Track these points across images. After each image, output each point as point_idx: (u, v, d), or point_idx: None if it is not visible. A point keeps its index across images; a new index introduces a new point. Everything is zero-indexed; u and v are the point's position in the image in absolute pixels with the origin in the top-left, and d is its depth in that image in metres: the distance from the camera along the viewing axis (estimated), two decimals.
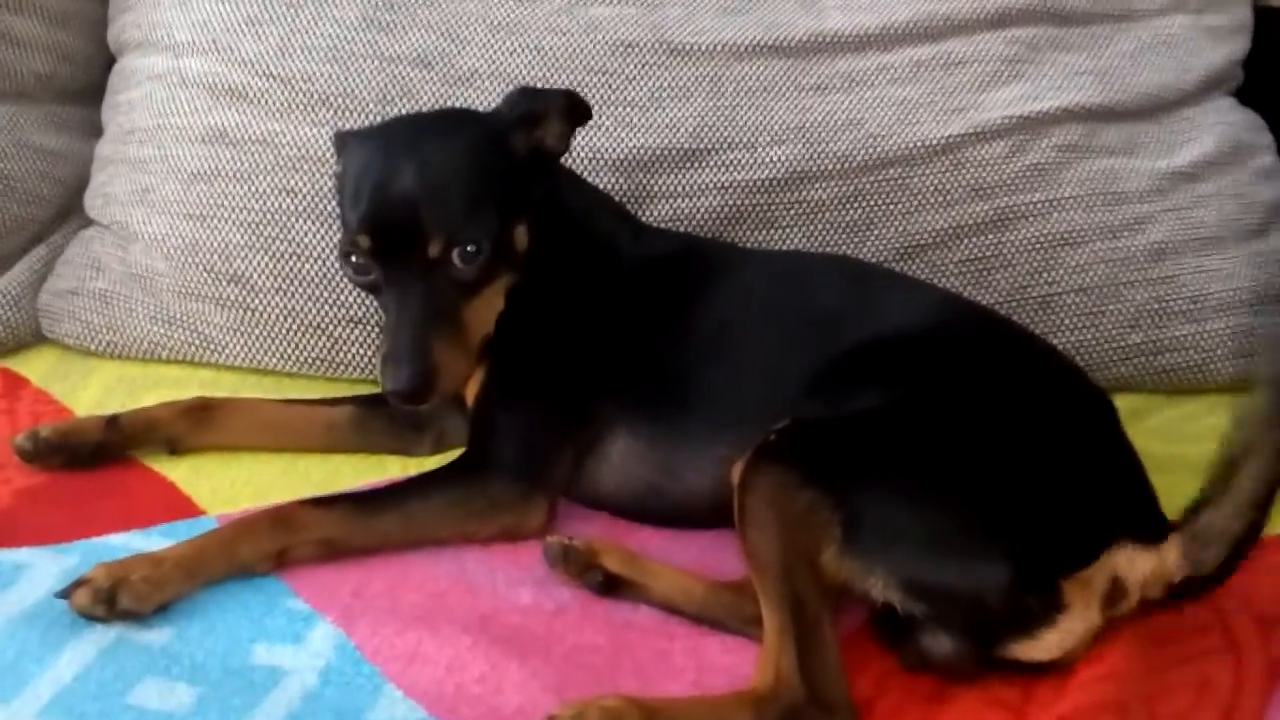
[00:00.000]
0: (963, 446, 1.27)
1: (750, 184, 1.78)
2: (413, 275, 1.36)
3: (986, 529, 1.21)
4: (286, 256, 1.75)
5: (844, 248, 1.79)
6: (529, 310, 1.47)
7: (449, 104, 1.76)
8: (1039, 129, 1.83)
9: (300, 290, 1.75)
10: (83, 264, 1.85)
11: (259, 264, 1.75)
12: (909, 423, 1.30)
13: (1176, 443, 1.65)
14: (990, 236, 1.80)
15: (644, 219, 1.71)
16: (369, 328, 1.74)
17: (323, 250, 1.74)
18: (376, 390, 1.45)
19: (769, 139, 1.79)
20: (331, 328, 1.75)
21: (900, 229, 1.79)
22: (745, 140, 1.79)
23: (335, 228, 1.57)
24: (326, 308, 1.75)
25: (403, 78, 1.79)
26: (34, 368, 1.78)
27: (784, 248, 1.79)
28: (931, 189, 1.80)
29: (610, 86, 1.81)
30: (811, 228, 1.79)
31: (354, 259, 1.39)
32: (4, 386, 1.72)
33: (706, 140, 1.79)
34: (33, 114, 1.94)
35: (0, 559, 1.33)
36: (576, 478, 1.49)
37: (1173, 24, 1.97)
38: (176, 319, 1.78)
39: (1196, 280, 1.81)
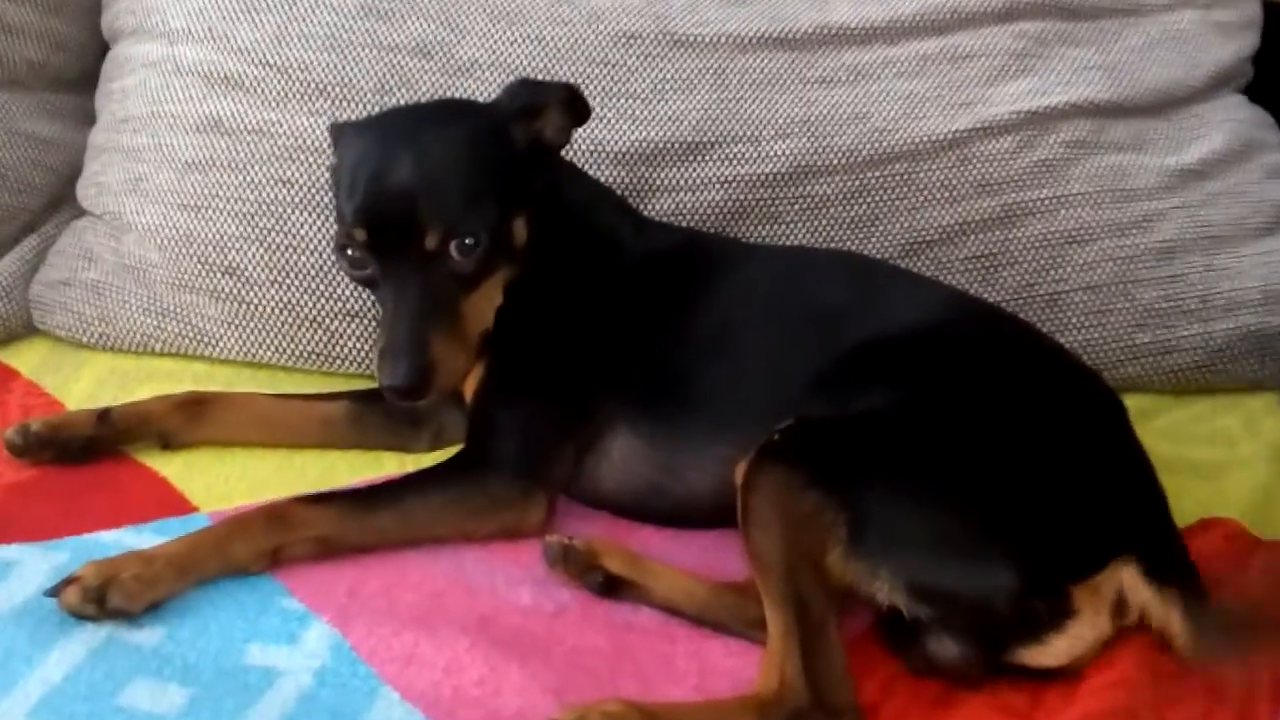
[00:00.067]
0: (971, 447, 1.25)
1: (754, 178, 1.77)
2: (410, 268, 1.34)
3: (995, 531, 1.20)
4: (282, 248, 1.73)
5: (849, 243, 1.77)
6: (529, 305, 1.46)
7: (448, 94, 1.74)
8: (1047, 124, 1.82)
9: (296, 283, 1.73)
10: (75, 254, 1.83)
11: (254, 256, 1.73)
12: (916, 422, 1.28)
13: (1184, 444, 1.65)
14: (997, 233, 1.78)
15: (646, 213, 1.70)
16: (366, 321, 1.73)
17: (319, 242, 1.72)
18: (373, 385, 1.43)
19: (773, 132, 1.78)
20: (328, 321, 1.73)
21: (906, 225, 1.78)
22: (749, 134, 1.78)
23: (332, 219, 1.56)
24: (323, 301, 1.73)
25: (401, 67, 1.77)
26: (25, 359, 1.76)
27: (788, 243, 1.77)
28: (938, 185, 1.78)
29: (612, 78, 1.79)
30: (816, 223, 1.78)
31: (350, 252, 1.37)
32: None
33: (710, 133, 1.77)
34: (25, 101, 1.92)
35: None
36: (576, 476, 1.48)
37: (1182, 19, 1.96)
38: (170, 311, 1.76)
39: (1205, 279, 1.80)
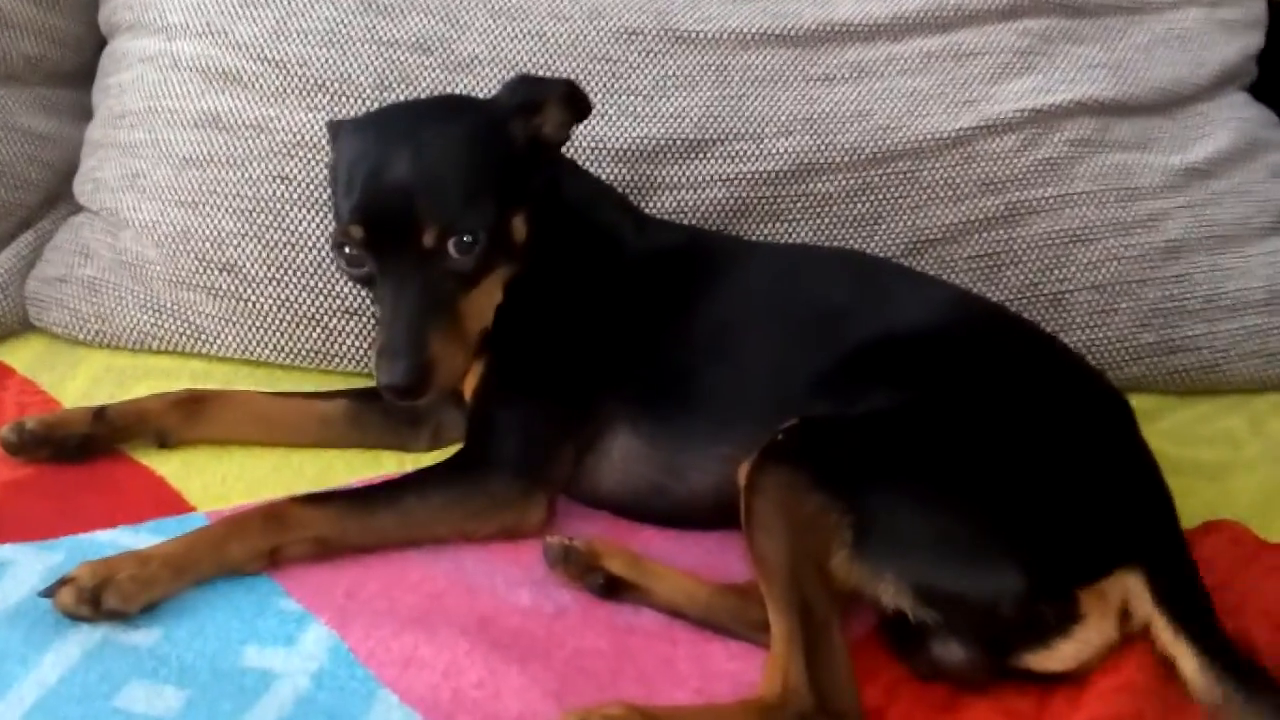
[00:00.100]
0: (977, 449, 1.24)
1: (756, 176, 1.76)
2: (407, 266, 1.33)
3: (1001, 534, 1.19)
4: (280, 245, 1.72)
5: (852, 242, 1.77)
6: (529, 303, 1.45)
7: (448, 91, 1.73)
8: (1051, 122, 1.81)
9: (294, 280, 1.72)
10: (71, 251, 1.82)
11: (252, 253, 1.72)
12: (921, 423, 1.27)
13: (1189, 445, 1.65)
14: (1001, 232, 1.78)
15: (647, 211, 1.69)
16: (364, 319, 1.71)
17: (317, 239, 1.71)
18: (372, 383, 1.41)
19: (776, 130, 1.77)
20: (326, 319, 1.72)
21: (909, 223, 1.77)
22: (751, 131, 1.77)
23: (330, 216, 1.54)
24: (321, 298, 1.72)
25: (401, 63, 1.76)
26: (20, 357, 1.75)
27: (790, 241, 1.76)
28: (941, 183, 1.78)
29: (614, 74, 1.78)
30: (819, 221, 1.77)
31: (347, 250, 1.36)
32: None
33: (712, 130, 1.76)
34: (21, 97, 1.91)
35: None
36: (577, 476, 1.47)
37: (1186, 17, 1.96)
38: (167, 308, 1.75)
39: (1210, 279, 1.80)
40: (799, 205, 1.76)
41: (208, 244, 1.73)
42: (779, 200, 1.76)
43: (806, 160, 1.76)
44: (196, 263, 1.73)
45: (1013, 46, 1.85)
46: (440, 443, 1.59)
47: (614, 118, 1.75)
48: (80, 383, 1.68)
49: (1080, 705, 1.16)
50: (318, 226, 1.71)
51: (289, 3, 1.78)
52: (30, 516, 1.37)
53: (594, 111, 1.49)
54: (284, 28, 1.77)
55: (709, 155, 1.75)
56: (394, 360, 1.30)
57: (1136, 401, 1.44)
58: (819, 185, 1.76)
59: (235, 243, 1.72)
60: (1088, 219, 1.78)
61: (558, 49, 1.78)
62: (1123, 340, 1.78)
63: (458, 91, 1.71)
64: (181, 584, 1.25)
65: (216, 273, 1.73)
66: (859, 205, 1.77)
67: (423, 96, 1.67)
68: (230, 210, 1.72)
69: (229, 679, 1.17)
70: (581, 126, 1.50)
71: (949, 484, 1.22)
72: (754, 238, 1.74)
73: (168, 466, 1.49)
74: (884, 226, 1.77)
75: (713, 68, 1.79)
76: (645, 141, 1.75)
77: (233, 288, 1.72)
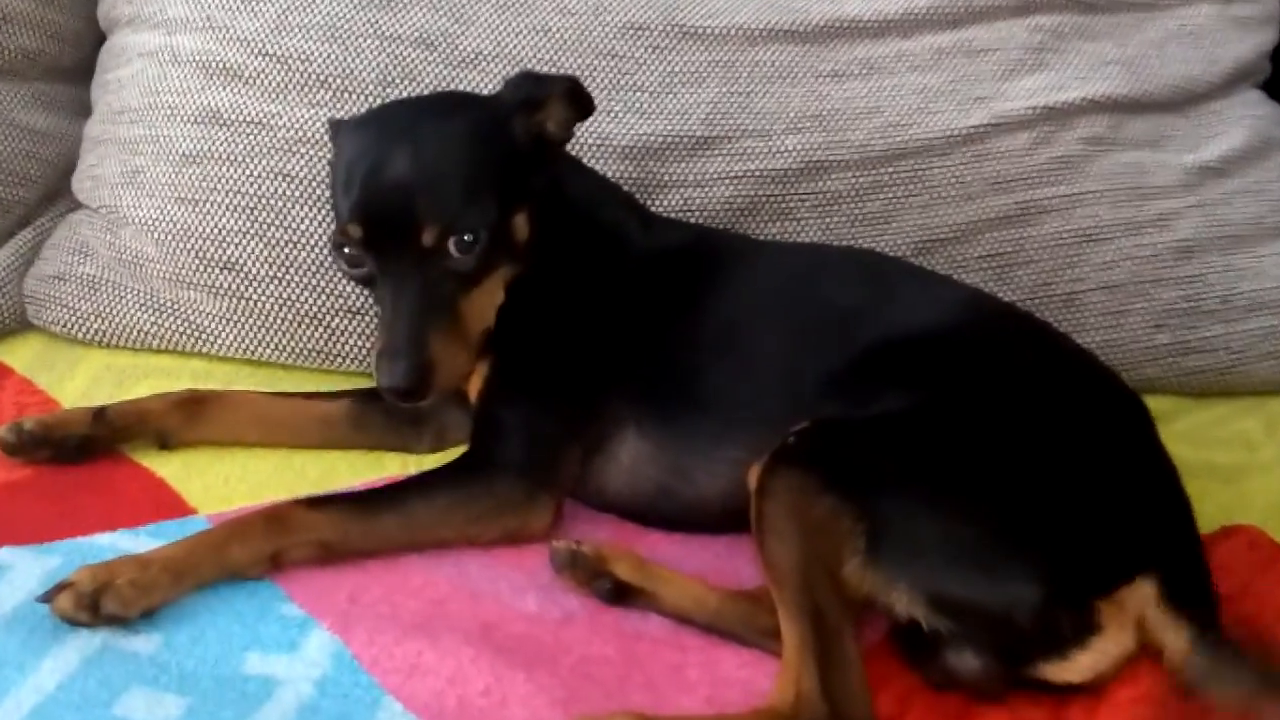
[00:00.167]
0: (993, 453, 1.23)
1: (764, 174, 1.74)
2: (407, 266, 1.31)
3: (1017, 542, 1.17)
4: (282, 243, 1.70)
5: (861, 241, 1.75)
6: (533, 303, 1.43)
7: (452, 87, 1.72)
8: (1063, 120, 1.80)
9: (296, 278, 1.70)
10: (70, 248, 1.81)
11: (253, 251, 1.70)
12: (936, 427, 1.26)
13: (1205, 448, 1.64)
14: (1012, 231, 1.76)
15: (654, 209, 1.67)
16: (367, 318, 1.70)
17: (319, 237, 1.69)
18: (374, 384, 1.40)
19: (784, 127, 1.75)
20: (328, 318, 1.71)
21: (919, 222, 1.76)
22: (760, 128, 1.75)
23: (332, 214, 1.52)
24: (323, 297, 1.70)
25: (404, 58, 1.74)
26: (19, 356, 1.74)
27: (799, 240, 1.75)
28: (952, 181, 1.76)
29: (620, 70, 1.77)
30: (828, 220, 1.75)
31: (347, 250, 1.35)
32: None
33: (719, 128, 1.75)
34: (19, 92, 1.89)
35: None
36: (583, 478, 1.45)
37: (1199, 13, 1.95)
38: (167, 307, 1.74)
39: (1225, 279, 1.79)
40: (808, 203, 1.75)
41: (208, 242, 1.71)
42: (787, 198, 1.74)
43: (815, 158, 1.74)
44: (197, 261, 1.72)
45: (1024, 43, 1.84)
46: (444, 444, 1.57)
47: (620, 114, 1.73)
48: (79, 382, 1.67)
49: (1098, 716, 1.15)
50: (319, 224, 1.69)
51: None
52: (28, 519, 1.36)
53: (600, 108, 1.48)
54: (285, 22, 1.75)
55: (716, 152, 1.74)
56: (394, 361, 1.29)
57: (1151, 403, 1.43)
58: (828, 183, 1.75)
59: (236, 240, 1.71)
60: (1100, 218, 1.77)
61: (563, 44, 1.76)
62: (1137, 341, 1.77)
63: (462, 88, 1.70)
64: (182, 588, 1.23)
65: (217, 271, 1.71)
66: (869, 203, 1.75)
67: (424, 93, 1.65)
68: (231, 207, 1.71)
69: (230, 686, 1.15)
70: (587, 123, 1.48)
71: (964, 489, 1.20)
72: (762, 236, 1.72)
73: (168, 468, 1.48)
74: (894, 225, 1.75)
75: (720, 64, 1.78)
76: (651, 138, 1.73)
77: (234, 286, 1.71)
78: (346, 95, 1.72)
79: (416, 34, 1.75)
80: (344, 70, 1.73)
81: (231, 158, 1.72)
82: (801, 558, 1.17)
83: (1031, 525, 1.18)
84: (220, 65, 1.75)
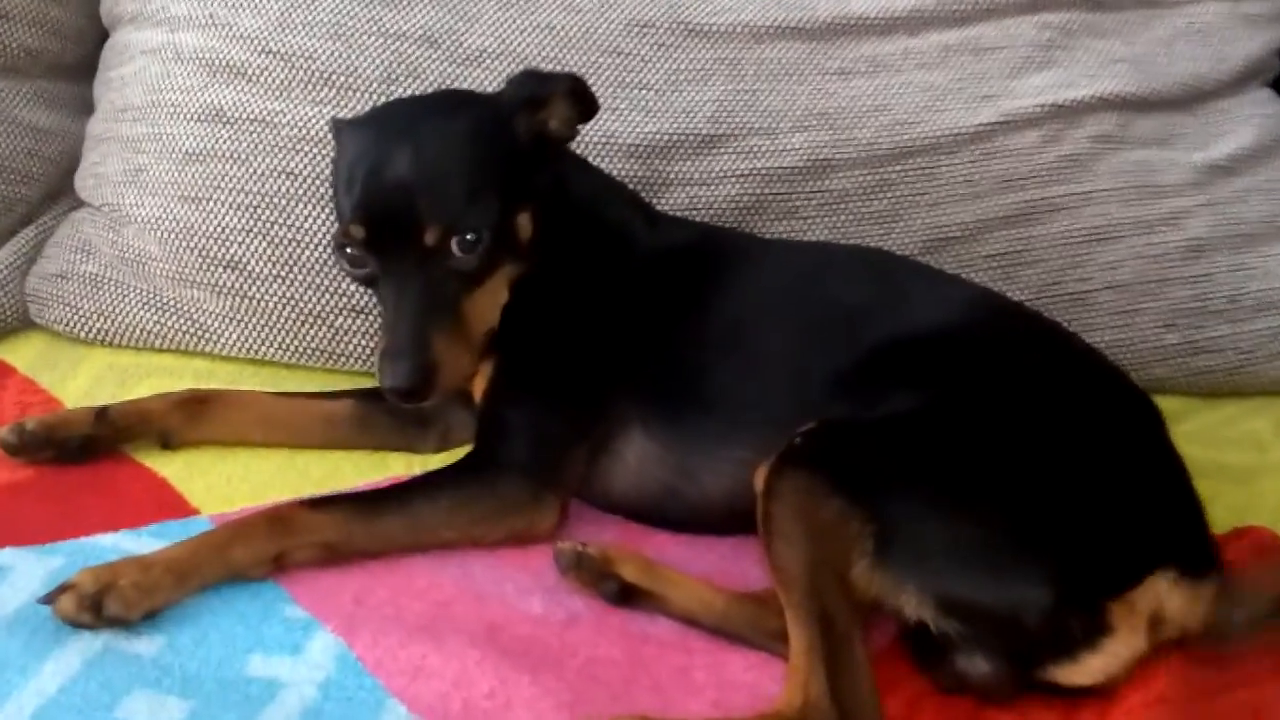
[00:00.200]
0: (1002, 454, 1.22)
1: (771, 172, 1.74)
2: (410, 266, 1.31)
3: (1027, 544, 1.16)
4: (285, 242, 1.69)
5: (868, 239, 1.75)
6: (538, 303, 1.43)
7: (456, 84, 1.72)
8: (1072, 118, 1.80)
9: (299, 277, 1.70)
10: (73, 247, 1.80)
11: (257, 249, 1.70)
12: (944, 427, 1.25)
13: (1215, 448, 1.63)
14: (1020, 230, 1.76)
15: (659, 207, 1.66)
16: (371, 317, 1.69)
17: (323, 236, 1.69)
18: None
19: (791, 125, 1.75)
20: (332, 317, 1.70)
21: (926, 221, 1.75)
22: (766, 126, 1.75)
23: (335, 213, 1.51)
24: (327, 296, 1.70)
25: (408, 56, 1.73)
26: (21, 355, 1.73)
27: (806, 239, 1.74)
28: (959, 179, 1.76)
29: (625, 68, 1.76)
30: (834, 218, 1.75)
31: (349, 251, 1.34)
32: None
33: (725, 125, 1.74)
34: (22, 90, 1.89)
35: None
36: (589, 478, 1.45)
37: (1207, 11, 1.95)
38: (170, 306, 1.73)
39: (1234, 278, 1.78)
40: (814, 202, 1.74)
41: (211, 240, 1.71)
42: (794, 197, 1.74)
43: (822, 156, 1.74)
44: (200, 259, 1.71)
45: (1032, 40, 1.84)
46: (449, 444, 1.57)
47: (625, 112, 1.73)
48: (82, 381, 1.66)
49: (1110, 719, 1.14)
50: (323, 223, 1.68)
51: None
52: (30, 520, 1.35)
53: (605, 106, 1.47)
54: (289, 20, 1.74)
55: (722, 151, 1.73)
56: (397, 362, 1.28)
57: (1160, 403, 1.42)
58: (835, 182, 1.74)
59: (239, 239, 1.70)
60: (1109, 217, 1.77)
61: (568, 42, 1.76)
62: (1146, 341, 1.76)
63: (466, 85, 1.69)
64: (185, 590, 1.23)
65: (220, 270, 1.71)
66: (875, 202, 1.75)
67: (426, 92, 1.65)
68: (234, 206, 1.70)
69: (234, 688, 1.14)
70: (592, 121, 1.47)
71: (973, 490, 1.19)
72: (768, 235, 1.72)
73: (171, 468, 1.47)
74: (901, 224, 1.75)
75: (726, 61, 1.77)
76: (657, 137, 1.73)
77: (237, 285, 1.70)
78: (350, 93, 1.71)
79: (420, 31, 1.75)
80: (348, 68, 1.72)
81: (235, 156, 1.71)
82: (809, 560, 1.16)
83: (1041, 526, 1.17)
84: (223, 63, 1.74)
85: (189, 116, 1.74)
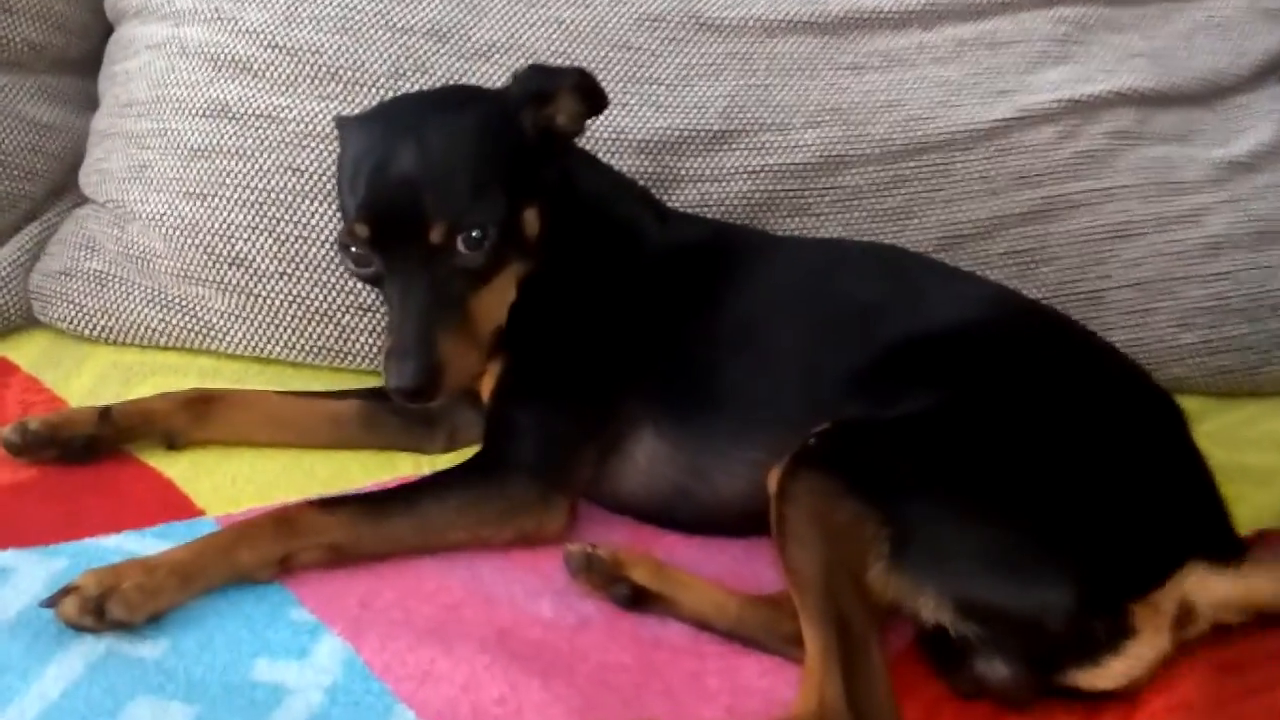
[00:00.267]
0: (1021, 454, 1.20)
1: (783, 168, 1.72)
2: (415, 264, 1.29)
3: (1048, 545, 1.14)
4: (291, 239, 1.68)
5: (882, 236, 1.73)
6: (546, 300, 1.41)
7: (464, 79, 1.71)
8: (1089, 113, 1.79)
9: (306, 274, 1.68)
10: (77, 244, 1.79)
11: (262, 246, 1.69)
12: (962, 426, 1.23)
13: (1234, 448, 1.61)
14: (1037, 227, 1.75)
15: (670, 204, 1.65)
16: (378, 315, 1.68)
17: (329, 232, 1.68)
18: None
19: (803, 120, 1.74)
20: (339, 315, 1.69)
21: (941, 218, 1.74)
22: (778, 121, 1.73)
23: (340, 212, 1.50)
24: (333, 293, 1.69)
25: (416, 50, 1.72)
26: (24, 353, 1.73)
27: (819, 236, 1.72)
28: (975, 176, 1.75)
29: (636, 63, 1.75)
30: (848, 215, 1.73)
31: (353, 249, 1.33)
32: None
33: (737, 121, 1.73)
34: (25, 84, 1.88)
35: None
36: (598, 479, 1.43)
37: (1227, 5, 1.95)
38: (175, 303, 1.72)
39: (1254, 276, 1.77)
40: (827, 198, 1.73)
41: (217, 237, 1.69)
42: (807, 193, 1.72)
43: (835, 152, 1.73)
44: (205, 256, 1.70)
45: (1049, 34, 1.83)
46: (457, 444, 1.56)
47: (636, 108, 1.72)
48: (86, 380, 1.65)
49: None
50: (330, 219, 1.67)
51: None
52: (32, 521, 1.34)
53: (615, 101, 1.46)
54: (295, 13, 1.73)
55: (734, 147, 1.72)
56: (402, 362, 1.27)
57: (1179, 403, 1.40)
58: (848, 178, 1.73)
59: (245, 236, 1.69)
60: (1127, 213, 1.75)
61: (578, 36, 1.75)
62: (1163, 340, 1.74)
63: (474, 80, 1.68)
64: (189, 593, 1.21)
65: (226, 267, 1.69)
66: (889, 199, 1.73)
67: (432, 87, 1.63)
68: (240, 202, 1.69)
69: (239, 694, 1.13)
70: (602, 117, 1.46)
71: (992, 491, 1.17)
72: (781, 232, 1.70)
73: (176, 468, 1.46)
74: (915, 221, 1.73)
75: (738, 56, 1.76)
76: (668, 132, 1.71)
77: (243, 282, 1.69)
78: (357, 88, 1.70)
79: (428, 25, 1.74)
80: (355, 62, 1.71)
81: (241, 152, 1.70)
82: (824, 563, 1.15)
83: (1062, 527, 1.15)
84: (229, 57, 1.73)
85: (194, 112, 1.73)
